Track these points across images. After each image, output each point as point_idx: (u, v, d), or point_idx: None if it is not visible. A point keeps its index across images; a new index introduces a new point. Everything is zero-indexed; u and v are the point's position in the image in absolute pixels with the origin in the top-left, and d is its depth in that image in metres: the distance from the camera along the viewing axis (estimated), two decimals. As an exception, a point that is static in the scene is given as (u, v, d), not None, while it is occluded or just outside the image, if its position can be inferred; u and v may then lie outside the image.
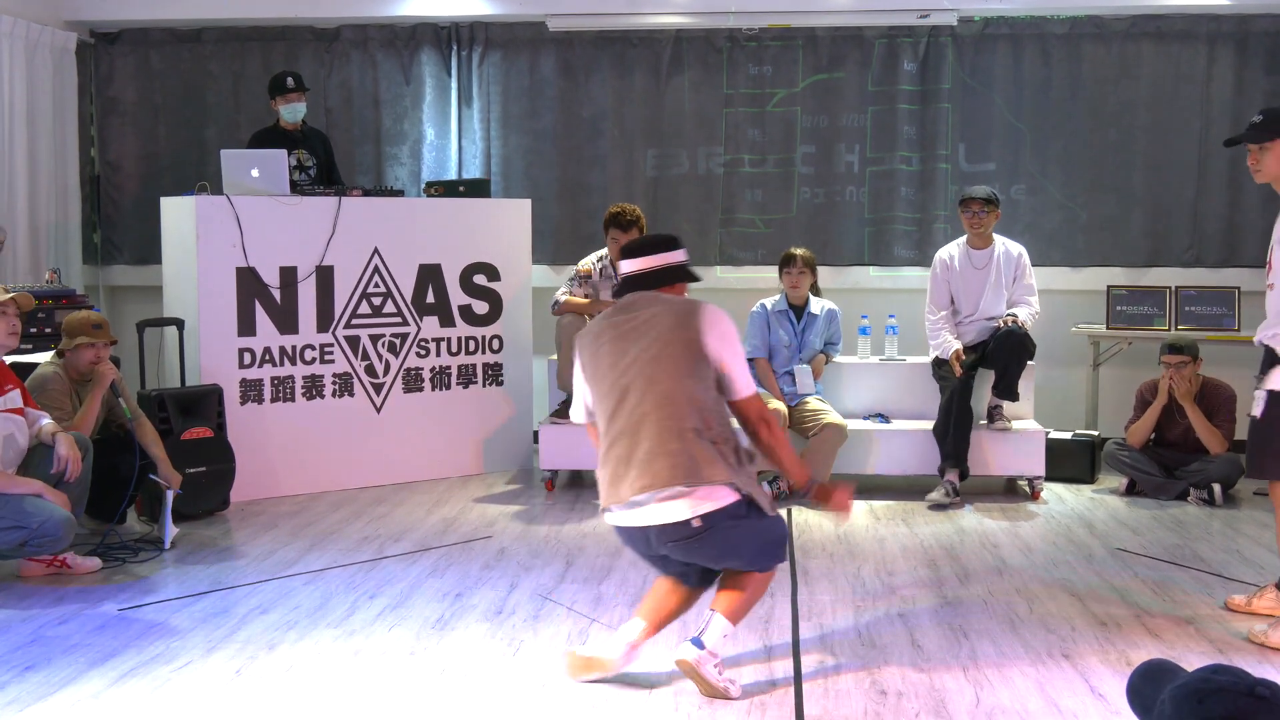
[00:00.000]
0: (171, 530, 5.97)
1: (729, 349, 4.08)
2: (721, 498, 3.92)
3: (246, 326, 6.96)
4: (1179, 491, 7.05)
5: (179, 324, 6.88)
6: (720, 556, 4.06)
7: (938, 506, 6.77)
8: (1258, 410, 4.80)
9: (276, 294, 7.04)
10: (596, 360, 4.14)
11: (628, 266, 4.31)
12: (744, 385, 4.12)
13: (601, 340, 4.14)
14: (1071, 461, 7.49)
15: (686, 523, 3.91)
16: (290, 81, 7.74)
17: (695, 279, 4.40)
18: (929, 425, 7.07)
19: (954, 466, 6.92)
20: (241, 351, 6.96)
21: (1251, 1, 8.08)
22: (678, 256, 4.33)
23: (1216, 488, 6.92)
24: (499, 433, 7.80)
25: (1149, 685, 2.06)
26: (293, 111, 7.74)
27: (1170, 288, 8.08)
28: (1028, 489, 7.17)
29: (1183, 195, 8.35)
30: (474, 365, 7.69)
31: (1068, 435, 7.59)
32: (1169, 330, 7.86)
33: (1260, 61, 8.26)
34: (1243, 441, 7.31)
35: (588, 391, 4.21)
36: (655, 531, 3.98)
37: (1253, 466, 5.01)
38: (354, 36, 8.63)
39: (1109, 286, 8.15)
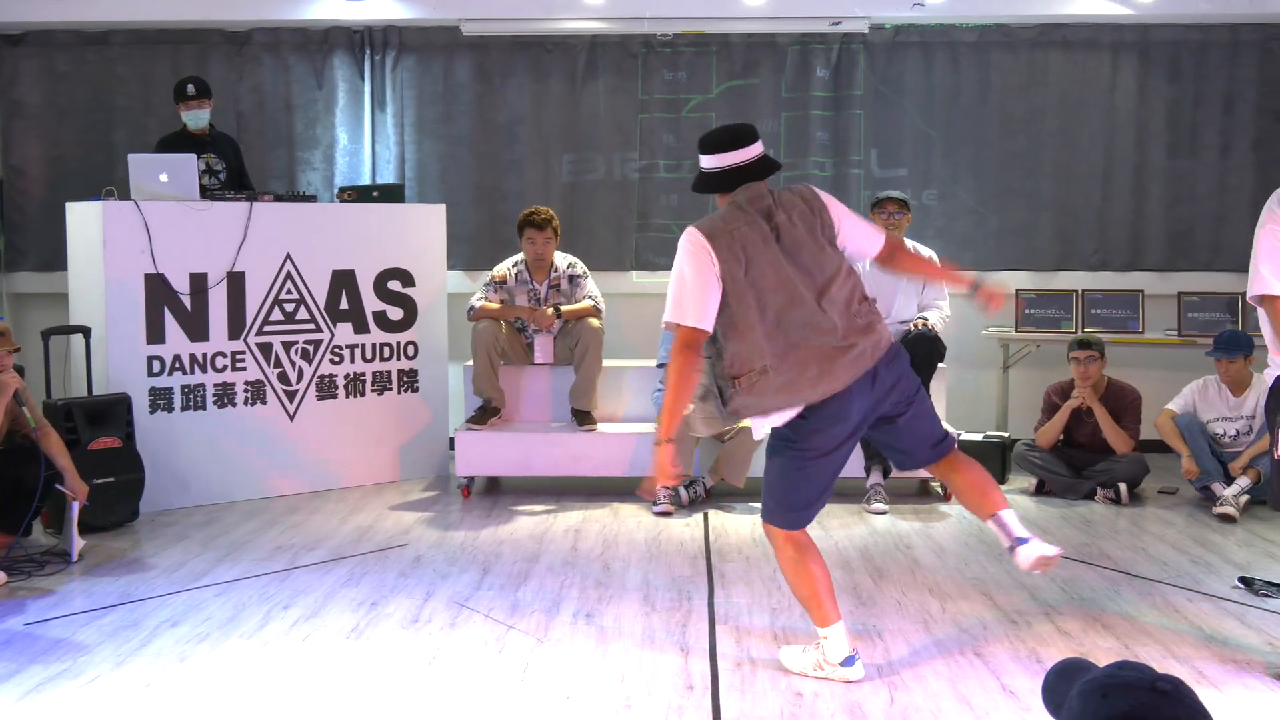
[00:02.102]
0: (78, 542, 5.85)
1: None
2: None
3: (155, 334, 6.85)
4: (1086, 491, 7.18)
5: (85, 332, 6.76)
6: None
7: (880, 513, 6.83)
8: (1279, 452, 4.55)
9: (186, 301, 6.93)
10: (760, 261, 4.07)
11: (742, 155, 4.19)
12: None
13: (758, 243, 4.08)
14: (982, 462, 7.40)
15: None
16: (190, 88, 7.60)
17: (777, 166, 4.36)
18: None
19: (879, 465, 6.99)
20: (150, 359, 6.85)
21: (1153, 12, 8.26)
22: (760, 148, 4.28)
23: (1123, 487, 7.07)
24: (414, 439, 7.74)
25: (1062, 683, 2.10)
26: (195, 118, 7.61)
27: (1077, 291, 8.25)
28: (940, 490, 7.27)
29: (1089, 201, 8.52)
30: (389, 372, 7.63)
31: (979, 436, 7.70)
32: (1076, 333, 8.01)
33: (1162, 70, 8.45)
34: (1148, 442, 7.53)
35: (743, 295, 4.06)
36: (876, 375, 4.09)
37: (1274, 499, 4.87)
38: (265, 40, 8.53)
39: (1018, 290, 8.29)
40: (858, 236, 4.27)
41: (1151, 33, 8.41)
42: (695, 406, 4.22)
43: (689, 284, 4.03)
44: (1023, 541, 4.12)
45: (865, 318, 4.12)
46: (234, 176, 7.76)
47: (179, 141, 7.58)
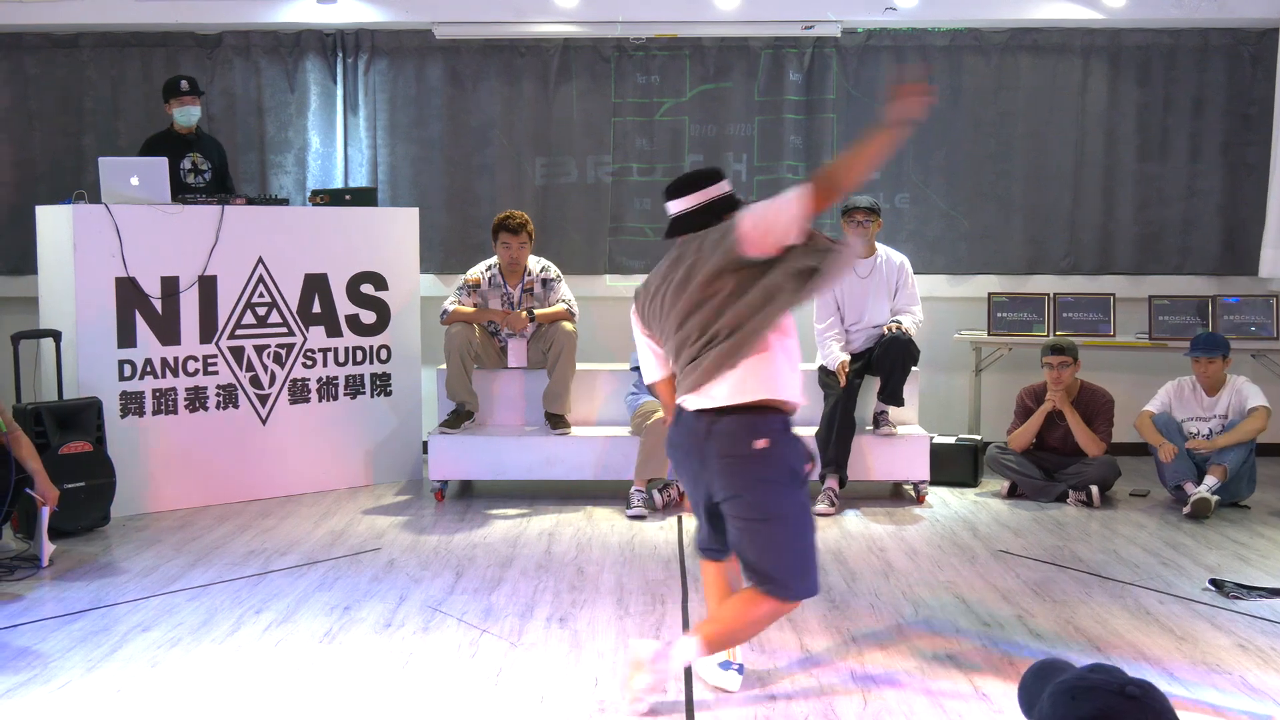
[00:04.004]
0: (48, 547, 5.81)
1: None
2: None
3: (126, 338, 6.82)
4: (1058, 494, 7.22)
5: (56, 336, 6.71)
6: None
7: (821, 515, 6.83)
8: None
9: (158, 304, 6.90)
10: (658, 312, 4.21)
11: (676, 206, 4.15)
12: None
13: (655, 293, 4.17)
14: (955, 465, 7.63)
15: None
16: (184, 84, 7.60)
17: (736, 205, 4.15)
18: (813, 430, 7.15)
19: (834, 473, 7.01)
20: (121, 363, 6.81)
21: (1123, 16, 8.31)
22: (723, 189, 4.16)
23: (1094, 489, 7.10)
24: (387, 443, 7.72)
25: (1037, 683, 2.11)
26: (186, 115, 7.59)
27: (1049, 295, 8.29)
28: (913, 493, 7.30)
29: (1060, 204, 8.56)
30: (361, 375, 7.61)
31: (951, 440, 7.73)
32: (1047, 336, 8.06)
33: (1132, 74, 8.50)
34: (1120, 444, 7.58)
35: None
36: None
37: None
38: (236, 43, 8.49)
39: (990, 294, 8.33)
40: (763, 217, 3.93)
41: (1122, 37, 8.46)
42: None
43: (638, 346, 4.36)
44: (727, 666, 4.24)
45: (718, 343, 3.95)
46: (219, 176, 7.74)
47: (166, 141, 7.56)
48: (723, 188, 4.15)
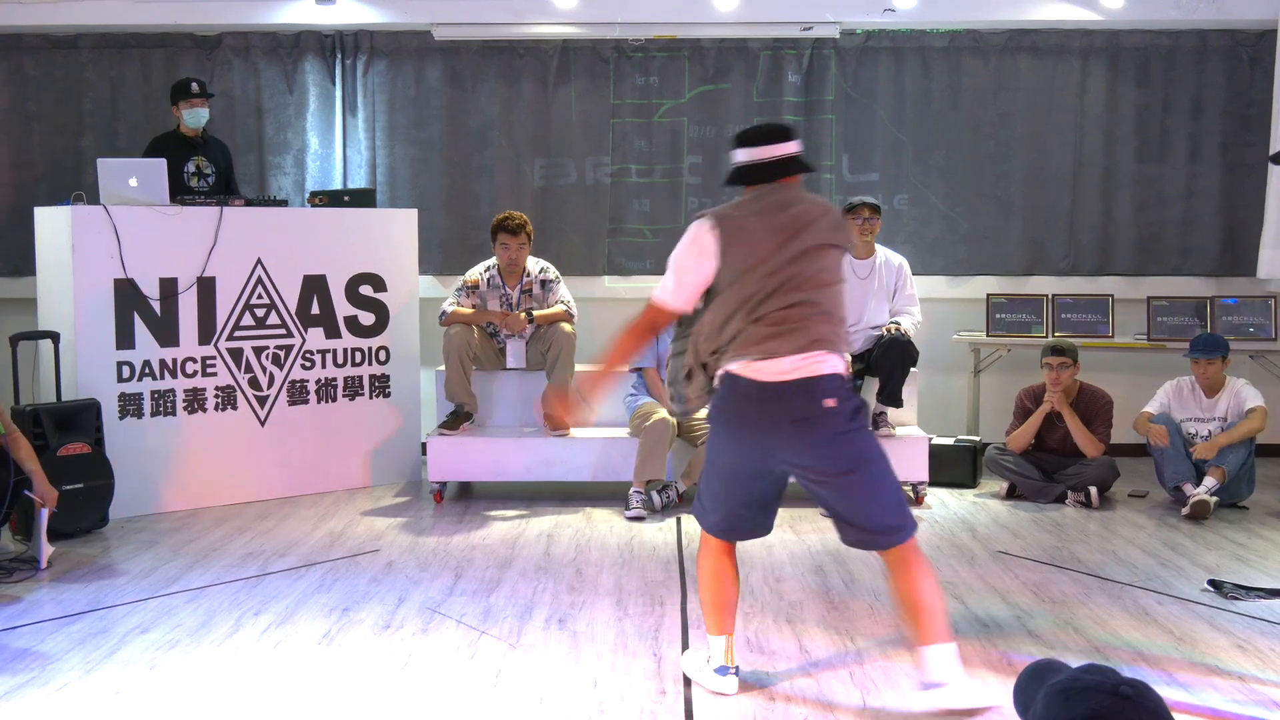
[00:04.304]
0: (47, 549, 5.81)
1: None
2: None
3: (125, 339, 6.81)
4: (1057, 495, 7.22)
5: (54, 337, 6.71)
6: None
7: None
8: None
9: (156, 306, 6.90)
10: (750, 244, 4.04)
11: (770, 151, 4.15)
12: None
13: (749, 227, 4.06)
14: (954, 466, 7.63)
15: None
16: (195, 86, 7.60)
17: (810, 169, 4.35)
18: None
19: None
20: (120, 365, 6.80)
21: (1122, 18, 8.31)
22: (795, 147, 4.21)
23: (1093, 490, 7.10)
24: (386, 445, 7.72)
25: (1032, 684, 2.11)
26: (196, 117, 7.58)
27: (1047, 296, 8.29)
28: (912, 494, 7.29)
29: (1059, 205, 8.56)
30: (360, 377, 7.61)
31: (950, 441, 7.73)
32: (1047, 337, 8.05)
33: (1130, 75, 8.50)
34: (1118, 445, 7.57)
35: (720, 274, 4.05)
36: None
37: None
38: (236, 44, 8.49)
39: (988, 295, 8.33)
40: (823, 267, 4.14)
41: (1121, 38, 8.47)
42: (680, 387, 4.21)
43: (679, 265, 4.10)
44: (934, 686, 4.01)
45: (832, 332, 4.06)
46: (222, 180, 7.73)
47: (171, 143, 7.56)
48: (799, 145, 4.25)
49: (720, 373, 4.06)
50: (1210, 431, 7.13)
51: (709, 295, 4.09)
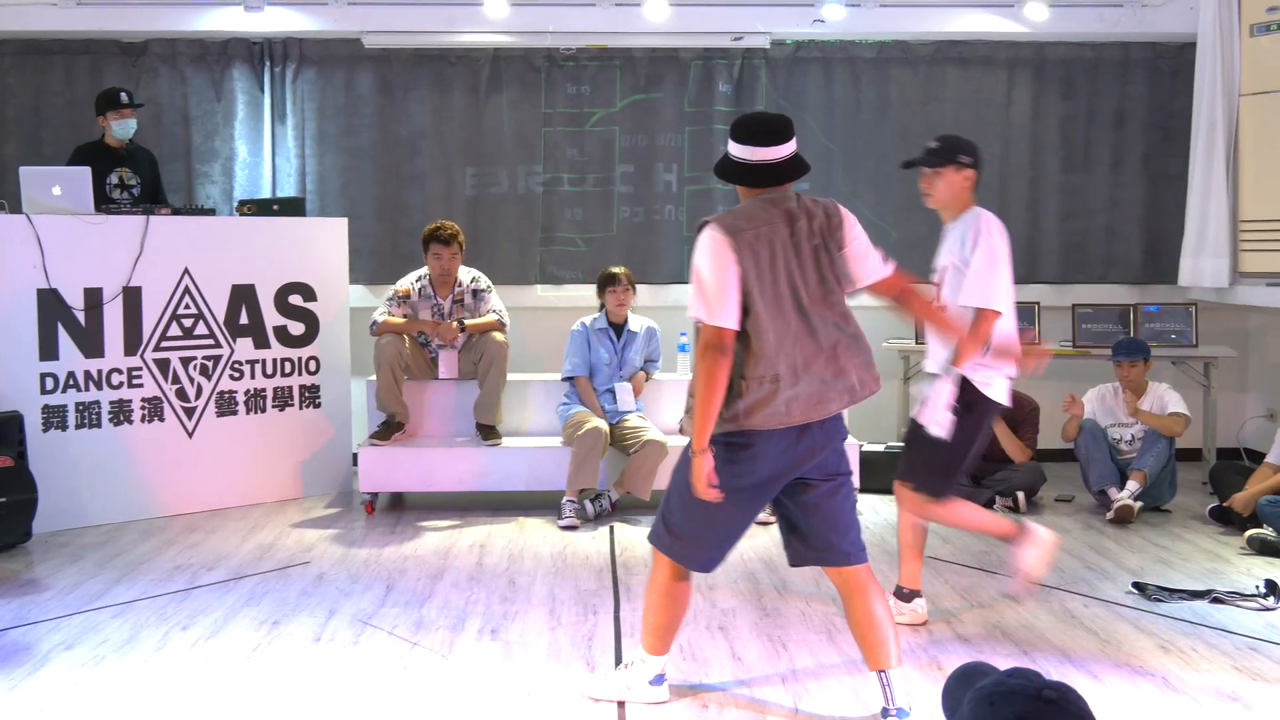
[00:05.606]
0: (-32, 564, 5.71)
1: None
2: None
3: (48, 350, 6.71)
4: (985, 500, 7.29)
5: (-25, 348, 6.60)
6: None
7: (762, 524, 6.84)
8: None
9: (81, 316, 6.79)
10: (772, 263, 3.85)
11: (774, 153, 3.95)
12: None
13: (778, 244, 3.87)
14: (885, 473, 7.59)
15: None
16: (124, 97, 7.48)
17: (809, 169, 4.10)
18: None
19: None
20: (43, 376, 6.69)
21: (1047, 30, 8.44)
22: (795, 144, 4.02)
23: (1020, 495, 7.21)
24: (317, 456, 7.66)
25: (959, 688, 2.13)
26: (124, 128, 7.46)
27: (975, 303, 8.36)
28: (844, 501, 7.34)
29: (986, 214, 8.65)
30: (290, 387, 7.54)
31: (881, 448, 7.80)
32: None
33: (1055, 87, 8.64)
34: (1045, 451, 7.67)
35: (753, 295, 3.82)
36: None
37: None
38: (162, 51, 8.39)
39: (918, 302, 8.40)
40: (862, 258, 4.01)
41: (1046, 50, 8.60)
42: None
43: (709, 282, 3.78)
44: (901, 714, 3.95)
45: (863, 342, 4.03)
46: (148, 191, 7.62)
47: (96, 153, 7.41)
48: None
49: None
50: (1134, 436, 7.25)
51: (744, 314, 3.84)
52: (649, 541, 4.17)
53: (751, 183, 3.98)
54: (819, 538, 4.04)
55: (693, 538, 4.01)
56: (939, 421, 4.81)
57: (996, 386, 4.86)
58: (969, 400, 4.81)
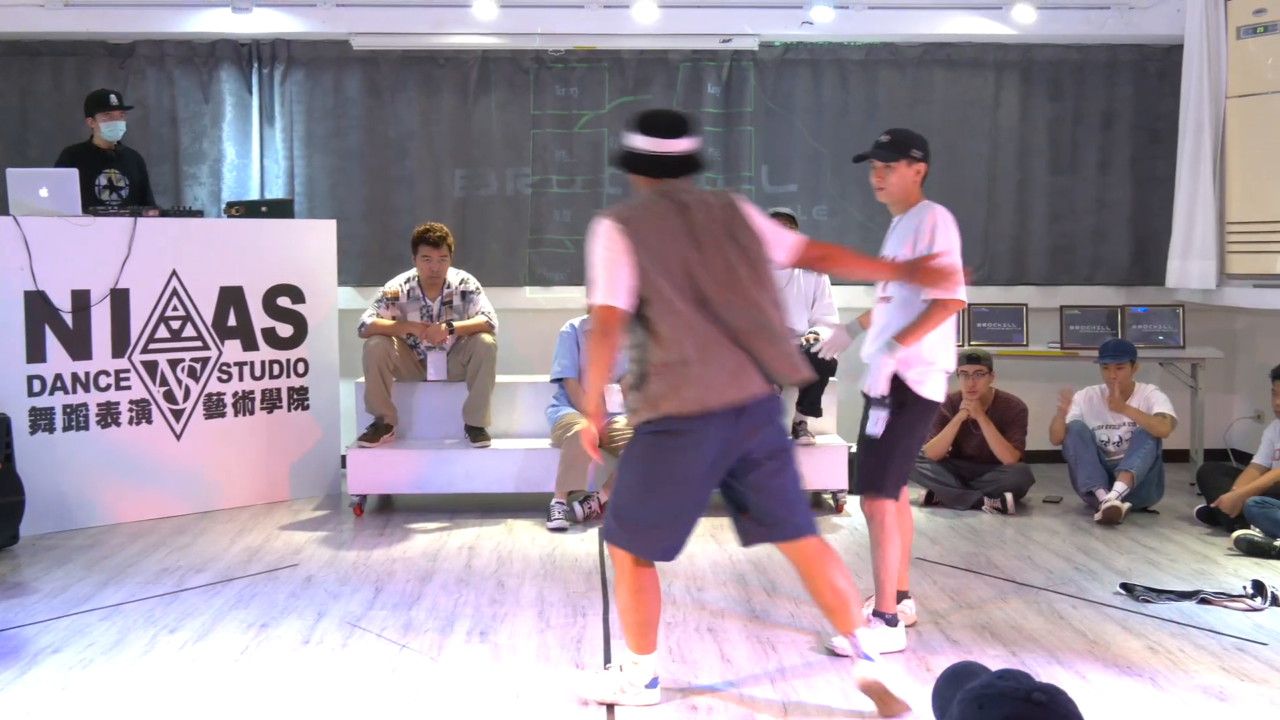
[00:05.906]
0: (-45, 567, 5.69)
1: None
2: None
3: (36, 352, 6.69)
4: (974, 501, 7.32)
5: (-38, 351, 6.58)
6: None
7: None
8: None
9: (68, 318, 6.78)
10: (663, 246, 3.97)
11: (674, 145, 4.11)
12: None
13: (669, 230, 4.00)
14: None
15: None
16: (113, 98, 7.46)
17: (705, 169, 4.38)
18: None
19: None
20: (31, 379, 6.67)
21: (1035, 32, 8.47)
22: (696, 141, 4.21)
23: (1009, 497, 7.22)
24: (305, 458, 7.64)
25: (949, 689, 2.13)
26: (113, 129, 7.45)
27: (963, 305, 8.37)
28: (832, 502, 7.36)
29: (974, 216, 8.67)
30: (278, 389, 7.53)
31: (870, 449, 7.79)
32: (962, 345, 8.15)
33: (1043, 89, 8.66)
34: (1033, 452, 7.69)
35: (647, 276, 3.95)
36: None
37: None
38: (150, 53, 8.37)
39: (906, 304, 8.41)
40: (774, 239, 4.17)
41: (1033, 52, 8.62)
42: (631, 395, 4.07)
43: (599, 267, 3.98)
44: (868, 658, 4.10)
45: (778, 331, 4.05)
46: (137, 193, 7.61)
47: (84, 154, 7.41)
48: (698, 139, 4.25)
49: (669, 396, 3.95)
50: (1121, 436, 7.28)
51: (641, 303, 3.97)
52: (603, 539, 4.22)
53: (649, 172, 4.14)
54: (769, 515, 4.15)
55: (650, 525, 4.07)
56: (875, 420, 4.85)
57: (931, 384, 4.87)
58: (901, 400, 4.83)
